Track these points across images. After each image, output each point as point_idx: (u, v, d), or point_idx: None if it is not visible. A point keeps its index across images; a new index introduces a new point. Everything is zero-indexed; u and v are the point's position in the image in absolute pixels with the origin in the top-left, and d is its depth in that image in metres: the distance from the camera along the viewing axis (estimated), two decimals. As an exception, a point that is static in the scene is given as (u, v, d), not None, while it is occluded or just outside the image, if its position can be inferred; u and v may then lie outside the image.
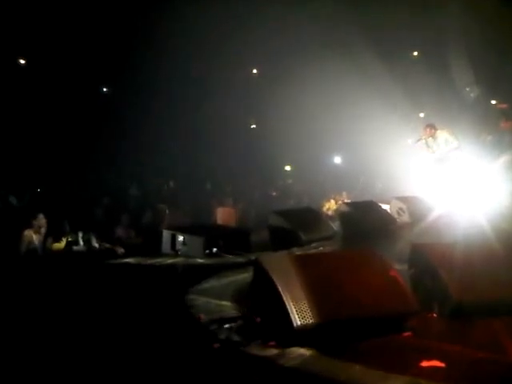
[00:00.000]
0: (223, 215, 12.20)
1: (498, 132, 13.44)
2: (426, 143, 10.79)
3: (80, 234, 9.31)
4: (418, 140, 10.91)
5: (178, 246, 8.28)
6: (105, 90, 19.16)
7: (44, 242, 9.04)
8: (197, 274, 6.71)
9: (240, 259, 7.77)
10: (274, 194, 16.09)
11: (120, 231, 10.62)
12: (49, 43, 15.71)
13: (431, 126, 10.83)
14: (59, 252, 9.00)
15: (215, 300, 5.52)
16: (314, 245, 8.61)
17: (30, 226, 8.99)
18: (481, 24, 15.71)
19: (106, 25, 15.99)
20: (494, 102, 17.35)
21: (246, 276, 6.07)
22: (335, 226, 9.62)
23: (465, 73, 17.05)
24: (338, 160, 19.68)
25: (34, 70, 16.30)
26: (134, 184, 14.80)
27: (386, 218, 9.67)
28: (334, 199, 14.49)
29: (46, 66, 16.13)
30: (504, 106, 16.34)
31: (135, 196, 14.19)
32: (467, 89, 17.85)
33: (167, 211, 11.91)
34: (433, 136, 10.71)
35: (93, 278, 6.69)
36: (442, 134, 10.68)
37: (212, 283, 6.40)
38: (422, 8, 16.94)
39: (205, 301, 5.53)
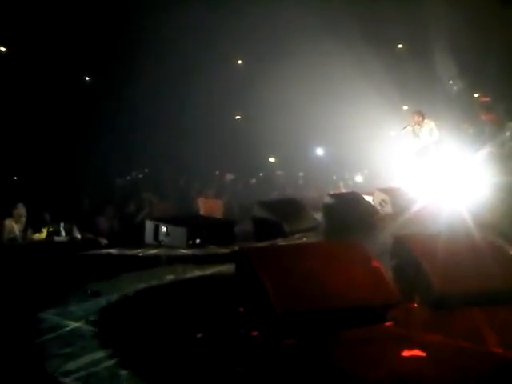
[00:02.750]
0: (208, 207, 12.15)
1: (478, 124, 13.55)
2: (413, 130, 10.74)
3: (61, 225, 9.23)
4: (405, 127, 10.88)
5: (161, 237, 8.25)
6: (88, 79, 18.96)
7: (25, 231, 8.95)
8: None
9: (224, 250, 7.77)
10: (258, 184, 16.09)
11: (103, 221, 10.53)
12: (31, 31, 15.48)
13: (419, 113, 10.77)
14: (40, 242, 8.91)
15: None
16: (297, 236, 8.64)
17: (9, 215, 8.89)
18: (465, 18, 15.79)
19: (92, 17, 15.80)
20: (476, 95, 17.49)
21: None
22: (319, 217, 9.64)
23: (448, 66, 17.15)
24: (321, 151, 19.73)
25: (16, 58, 16.06)
26: (119, 173, 14.70)
27: (369, 209, 9.70)
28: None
29: (27, 54, 15.90)
30: (486, 99, 16.49)
31: (120, 186, 14.09)
32: (451, 82, 17.96)
33: (152, 200, 11.85)
34: (420, 124, 10.68)
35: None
36: (429, 124, 10.69)
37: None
38: (407, 1, 16.98)
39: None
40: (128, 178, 14.89)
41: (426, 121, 10.70)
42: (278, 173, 17.74)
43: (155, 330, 4.53)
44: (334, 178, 16.47)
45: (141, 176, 15.60)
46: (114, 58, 16.86)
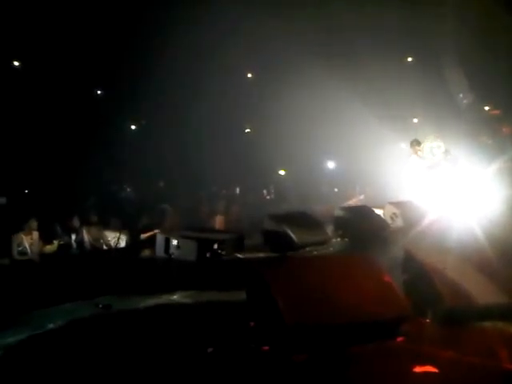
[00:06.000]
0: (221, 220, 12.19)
1: (499, 137, 13.53)
2: (418, 156, 11.05)
3: (73, 237, 9.27)
4: (410, 156, 11.19)
5: (172, 250, 8.24)
6: (99, 92, 19.13)
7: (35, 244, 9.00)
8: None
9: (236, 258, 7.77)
10: (268, 197, 16.09)
11: (114, 234, 10.57)
12: (44, 45, 15.67)
13: (416, 142, 11.13)
14: (50, 254, 8.95)
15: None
16: (307, 249, 8.61)
17: (21, 228, 8.94)
18: (474, 31, 15.79)
19: (102, 28, 15.96)
20: (486, 108, 17.45)
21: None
22: (329, 230, 9.61)
23: (458, 79, 17.13)
24: (331, 165, 19.71)
25: (29, 72, 16.25)
26: (129, 186, 14.77)
27: (380, 222, 9.66)
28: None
29: (40, 67, 16.08)
30: (496, 112, 16.45)
31: (130, 198, 14.15)
32: (460, 95, 17.93)
33: (169, 211, 11.87)
34: (421, 150, 10.95)
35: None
36: (427, 144, 10.90)
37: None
38: (417, 14, 17.01)
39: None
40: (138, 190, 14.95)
41: (422, 144, 10.93)
42: (286, 185, 17.73)
43: (167, 345, 4.53)
44: (349, 189, 16.40)
45: (156, 187, 15.67)
46: (123, 70, 17.01)
